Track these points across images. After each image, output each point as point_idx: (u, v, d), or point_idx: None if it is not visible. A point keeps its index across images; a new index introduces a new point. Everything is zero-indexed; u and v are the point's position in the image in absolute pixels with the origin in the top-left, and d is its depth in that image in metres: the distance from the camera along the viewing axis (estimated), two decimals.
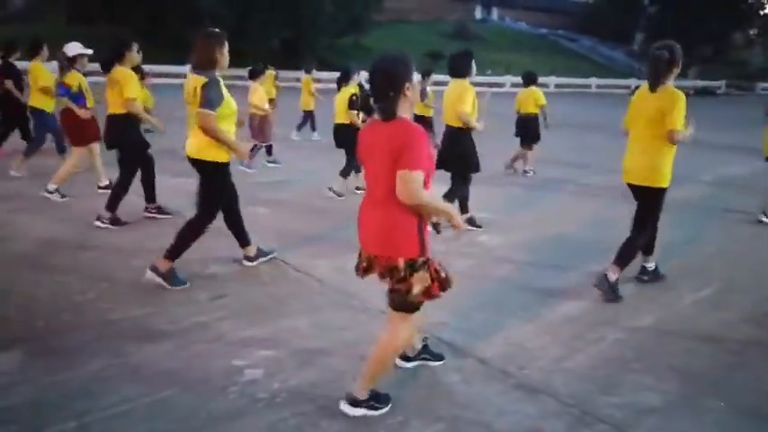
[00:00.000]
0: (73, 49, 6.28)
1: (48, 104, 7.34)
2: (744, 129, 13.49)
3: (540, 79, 9.34)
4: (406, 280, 2.60)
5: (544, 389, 3.11)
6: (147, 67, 9.87)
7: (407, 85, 2.57)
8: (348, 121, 7.06)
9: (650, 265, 4.72)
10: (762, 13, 47.24)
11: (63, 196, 6.35)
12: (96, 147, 6.50)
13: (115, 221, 5.54)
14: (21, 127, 8.28)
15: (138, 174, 5.73)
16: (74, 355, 3.25)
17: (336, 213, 6.37)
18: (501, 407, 2.94)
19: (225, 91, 4.11)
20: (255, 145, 8.70)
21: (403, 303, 2.68)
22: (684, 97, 4.11)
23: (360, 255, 2.81)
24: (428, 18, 44.22)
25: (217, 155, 4.16)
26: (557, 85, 31.63)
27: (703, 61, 39.73)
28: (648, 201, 4.35)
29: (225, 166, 4.25)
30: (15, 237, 5.16)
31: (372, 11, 32.29)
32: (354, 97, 7.04)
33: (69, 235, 5.27)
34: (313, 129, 11.86)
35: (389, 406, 2.85)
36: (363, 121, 6.39)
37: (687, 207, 7.23)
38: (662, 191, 4.29)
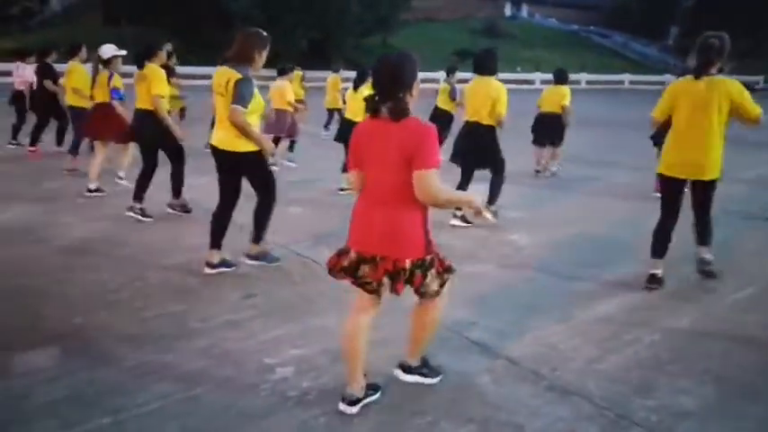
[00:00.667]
0: (107, 51, 6.39)
1: (86, 103, 7.49)
2: None
3: (571, 76, 9.17)
4: (414, 277, 2.63)
5: (577, 391, 3.06)
6: (179, 69, 10.04)
7: (415, 83, 2.57)
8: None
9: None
10: None
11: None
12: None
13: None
14: (41, 125, 8.55)
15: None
16: (109, 353, 3.31)
17: None
18: (533, 408, 2.90)
19: (255, 88, 4.19)
20: (293, 141, 9.00)
21: (426, 294, 2.74)
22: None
23: (341, 253, 2.74)
24: (457, 16, 44.04)
25: (247, 145, 4.22)
26: (588, 82, 31.15)
27: (741, 55, 38.61)
28: (708, 192, 4.32)
29: (259, 153, 4.30)
30: (54, 236, 5.28)
31: (400, 10, 32.27)
32: None
33: (104, 234, 5.38)
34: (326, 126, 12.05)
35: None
36: None
37: (727, 206, 7.04)
38: (716, 183, 4.30)
